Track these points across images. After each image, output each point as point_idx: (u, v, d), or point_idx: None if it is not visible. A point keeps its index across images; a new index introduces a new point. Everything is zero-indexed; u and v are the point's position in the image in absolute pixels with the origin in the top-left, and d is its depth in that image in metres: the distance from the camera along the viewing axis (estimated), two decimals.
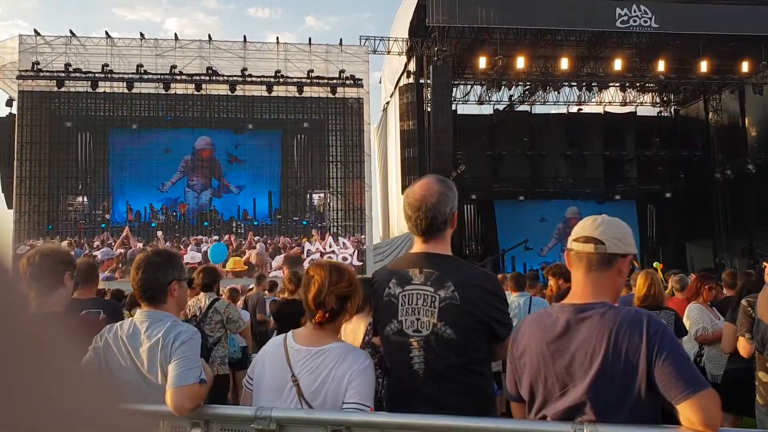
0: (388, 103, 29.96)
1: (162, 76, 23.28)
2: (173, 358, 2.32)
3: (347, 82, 24.49)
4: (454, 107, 26.63)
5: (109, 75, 23.15)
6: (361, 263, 23.73)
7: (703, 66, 24.25)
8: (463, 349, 2.24)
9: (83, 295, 3.74)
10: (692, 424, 1.74)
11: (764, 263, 4.48)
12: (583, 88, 27.30)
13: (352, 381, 2.21)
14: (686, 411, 1.74)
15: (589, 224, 2.00)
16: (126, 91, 23.24)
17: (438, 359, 2.25)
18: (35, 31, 23.29)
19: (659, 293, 4.88)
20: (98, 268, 4.02)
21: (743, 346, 4.28)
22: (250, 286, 11.36)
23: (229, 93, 23.91)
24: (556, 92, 27.98)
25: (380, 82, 31.26)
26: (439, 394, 2.24)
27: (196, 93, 23.76)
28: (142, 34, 23.83)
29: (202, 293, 5.84)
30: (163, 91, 23.44)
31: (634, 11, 22.62)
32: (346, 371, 2.22)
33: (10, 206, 22.38)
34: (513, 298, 6.33)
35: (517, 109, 30.23)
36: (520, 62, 23.74)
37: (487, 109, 30.44)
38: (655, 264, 14.41)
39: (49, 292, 2.76)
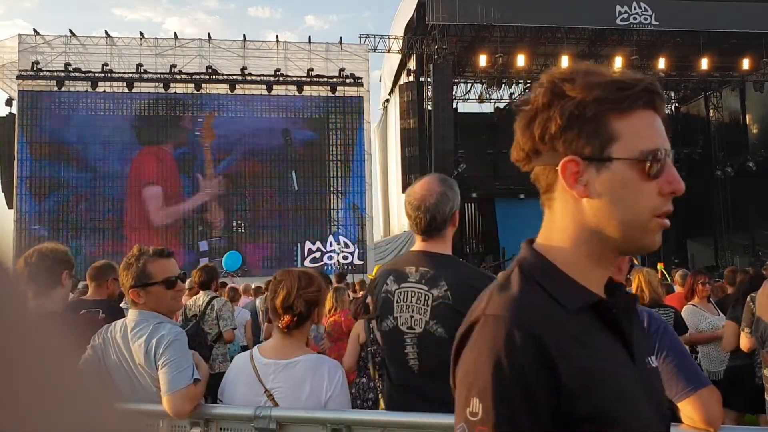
0: (387, 100, 29.95)
1: (162, 76, 23.29)
2: (161, 365, 2.30)
3: (347, 80, 24.47)
4: (454, 105, 26.62)
5: (109, 74, 23.15)
6: (361, 262, 23.74)
7: (704, 63, 24.22)
8: None
9: (93, 296, 3.72)
10: (694, 421, 1.74)
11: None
12: None
13: (332, 399, 2.22)
14: (687, 408, 1.73)
15: None
16: (126, 90, 23.25)
17: (431, 357, 2.26)
18: (34, 30, 23.29)
19: (653, 292, 4.89)
20: (113, 270, 3.79)
21: (743, 341, 4.34)
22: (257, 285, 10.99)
23: (229, 92, 23.92)
24: None
25: (380, 80, 31.29)
26: (434, 391, 2.24)
27: (195, 92, 23.76)
28: (141, 34, 23.84)
29: (201, 291, 5.88)
30: (162, 91, 23.46)
31: (634, 9, 22.62)
32: (322, 387, 2.22)
33: (10, 206, 22.38)
34: None
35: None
36: (521, 60, 23.74)
37: (487, 107, 30.46)
38: (659, 266, 14.50)
39: (47, 291, 2.75)
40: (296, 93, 24.31)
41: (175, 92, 23.72)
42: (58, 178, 22.96)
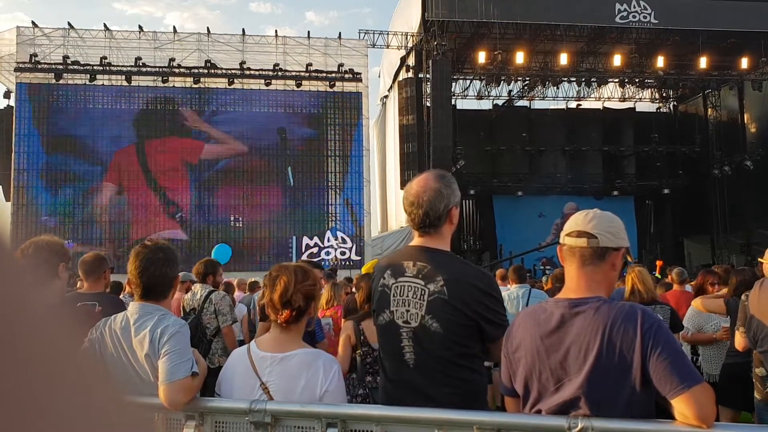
0: (386, 96, 29.90)
1: (160, 69, 23.22)
2: (162, 354, 2.31)
3: (346, 76, 24.42)
4: (453, 102, 26.59)
5: (108, 68, 23.07)
6: (359, 258, 23.73)
7: (703, 62, 24.22)
8: (450, 343, 2.25)
9: (90, 290, 3.71)
10: (686, 418, 1.75)
11: (759, 259, 4.50)
12: (582, 84, 27.25)
13: (328, 394, 2.23)
14: (680, 405, 1.74)
15: (582, 219, 2.00)
16: (125, 83, 23.19)
17: (426, 351, 2.28)
18: (33, 23, 23.21)
19: (647, 291, 4.89)
20: (105, 261, 3.81)
21: (738, 340, 4.34)
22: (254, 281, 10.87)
23: (227, 86, 23.86)
24: (555, 87, 27.93)
25: (379, 76, 31.24)
26: (428, 385, 2.26)
27: (194, 86, 23.70)
28: (140, 27, 23.74)
29: (198, 285, 5.85)
30: (161, 84, 23.39)
31: (634, 6, 22.60)
32: (317, 381, 2.23)
33: (7, 198, 22.34)
34: (513, 289, 6.46)
35: (516, 105, 30.21)
36: (520, 57, 23.71)
37: (486, 104, 30.45)
38: (657, 263, 14.57)
39: (44, 283, 2.75)
40: (294, 88, 24.25)
41: (173, 86, 23.67)
42: (56, 171, 22.91)
